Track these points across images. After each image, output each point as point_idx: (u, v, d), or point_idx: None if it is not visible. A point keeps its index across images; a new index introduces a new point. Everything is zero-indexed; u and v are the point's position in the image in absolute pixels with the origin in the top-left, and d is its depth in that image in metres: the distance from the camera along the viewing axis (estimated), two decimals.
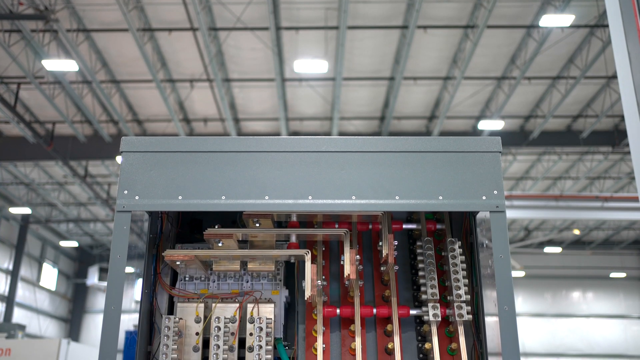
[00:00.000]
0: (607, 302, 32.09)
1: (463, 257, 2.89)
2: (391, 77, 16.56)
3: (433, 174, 2.74)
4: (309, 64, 15.18)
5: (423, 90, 17.39)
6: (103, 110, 18.41)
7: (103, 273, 28.47)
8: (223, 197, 2.70)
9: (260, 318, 2.74)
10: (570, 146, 19.79)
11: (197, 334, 2.79)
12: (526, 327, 30.41)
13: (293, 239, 2.91)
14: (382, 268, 2.97)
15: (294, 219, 2.96)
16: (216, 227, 2.87)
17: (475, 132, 19.07)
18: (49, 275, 30.53)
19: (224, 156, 2.78)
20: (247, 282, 2.97)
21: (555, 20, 13.32)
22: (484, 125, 18.40)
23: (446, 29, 14.62)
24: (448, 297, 2.89)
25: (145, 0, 13.73)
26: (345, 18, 13.21)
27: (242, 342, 2.79)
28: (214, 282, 2.98)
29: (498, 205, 2.69)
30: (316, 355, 2.79)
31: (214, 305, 2.84)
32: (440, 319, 2.81)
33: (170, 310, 2.97)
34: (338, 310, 2.88)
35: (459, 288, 2.81)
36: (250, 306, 2.83)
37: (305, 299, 2.70)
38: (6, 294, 25.83)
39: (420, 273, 2.90)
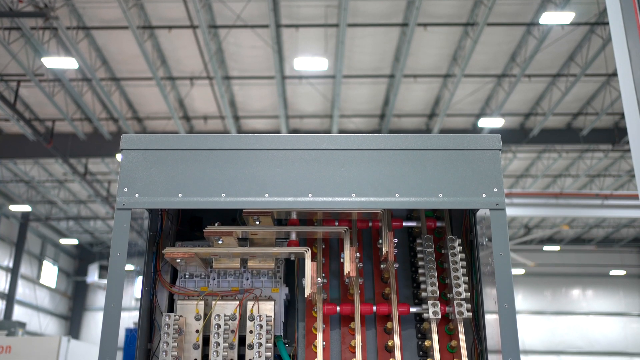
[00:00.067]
0: (607, 300, 32.12)
1: (463, 254, 2.89)
2: (391, 75, 16.55)
3: (433, 171, 2.74)
4: (309, 61, 15.18)
5: (423, 87, 17.38)
6: (103, 107, 18.41)
7: (103, 271, 28.51)
8: (223, 195, 2.70)
9: (260, 316, 2.74)
10: (571, 144, 19.79)
11: (197, 331, 2.79)
12: (526, 324, 30.45)
13: (293, 236, 2.91)
14: (382, 266, 2.97)
15: (294, 216, 2.96)
16: (216, 224, 2.87)
17: (475, 130, 19.06)
18: (49, 273, 30.56)
19: (224, 154, 2.78)
20: (247, 279, 2.97)
21: (555, 17, 13.31)
22: (484, 122, 18.39)
23: (446, 27, 14.61)
24: (448, 295, 2.89)
25: None
26: (345, 15, 13.20)
27: (242, 340, 2.79)
28: (214, 279, 2.99)
29: (498, 202, 2.69)
30: (316, 352, 2.79)
31: (214, 302, 2.84)
32: (440, 316, 2.81)
33: (171, 308, 2.97)
34: (338, 308, 2.88)
35: (459, 286, 2.81)
36: (250, 304, 2.84)
37: (305, 296, 2.70)
38: (6, 291, 25.84)
39: (420, 271, 2.90)
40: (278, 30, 14.44)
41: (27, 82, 16.30)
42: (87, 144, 19.25)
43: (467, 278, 2.85)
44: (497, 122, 18.33)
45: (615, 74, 15.12)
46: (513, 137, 19.15)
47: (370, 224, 3.07)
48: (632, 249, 32.83)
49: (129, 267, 2.67)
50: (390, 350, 2.85)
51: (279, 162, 2.76)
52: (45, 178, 23.71)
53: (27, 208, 25.17)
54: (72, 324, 31.91)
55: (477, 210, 2.83)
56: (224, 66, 16.16)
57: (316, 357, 2.77)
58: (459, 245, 2.91)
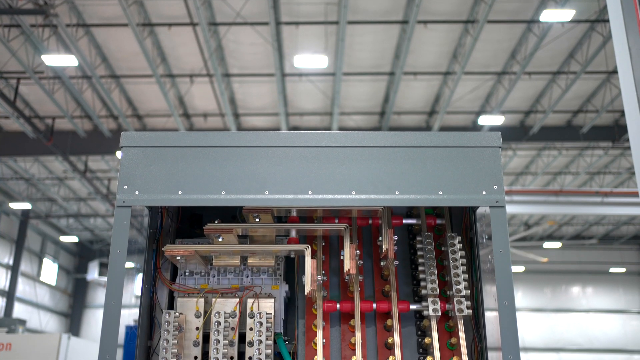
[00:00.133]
0: (607, 297, 32.14)
1: (463, 252, 2.89)
2: (391, 72, 16.54)
3: (433, 169, 2.74)
4: (309, 59, 15.16)
5: (423, 85, 17.37)
6: (103, 105, 18.40)
7: (103, 268, 28.50)
8: (223, 192, 2.71)
9: (260, 313, 2.74)
10: (571, 141, 19.78)
11: (197, 328, 2.80)
12: (526, 322, 30.47)
13: (293, 234, 2.91)
14: (382, 263, 2.97)
15: (294, 214, 2.96)
16: (216, 222, 2.87)
17: (475, 127, 19.06)
18: (49, 270, 30.57)
19: (224, 151, 2.78)
20: (247, 277, 2.98)
21: (555, 15, 13.30)
22: (484, 120, 18.39)
23: (446, 24, 14.60)
24: (448, 292, 2.89)
25: None
26: (345, 13, 13.18)
27: (242, 337, 2.80)
28: (214, 277, 2.99)
29: (498, 200, 2.69)
30: (316, 350, 2.79)
31: (214, 300, 2.84)
32: (440, 313, 2.81)
33: (171, 305, 2.98)
34: (338, 305, 2.89)
35: (459, 283, 2.81)
36: (250, 301, 2.84)
37: (305, 293, 2.70)
38: (6, 289, 25.86)
39: (420, 268, 2.91)
40: (278, 28, 14.42)
41: (27, 79, 16.29)
42: (87, 141, 19.24)
43: (467, 275, 2.85)
44: (497, 120, 18.33)
45: (615, 72, 15.12)
46: (513, 134, 19.14)
47: (370, 222, 3.07)
48: (632, 246, 32.84)
49: (129, 264, 2.67)
50: (390, 348, 2.85)
51: (279, 159, 2.76)
52: (45, 175, 23.70)
53: (27, 205, 25.17)
54: (73, 322, 31.93)
55: (477, 207, 2.83)
56: (223, 63, 16.15)
57: (316, 355, 2.77)
58: (459, 242, 2.92)
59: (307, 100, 18.14)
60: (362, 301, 2.89)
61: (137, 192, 2.72)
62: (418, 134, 2.82)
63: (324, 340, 2.80)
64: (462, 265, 2.85)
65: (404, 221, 3.08)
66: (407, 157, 2.76)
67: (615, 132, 18.82)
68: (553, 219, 29.18)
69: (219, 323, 2.70)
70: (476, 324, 2.87)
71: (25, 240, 26.74)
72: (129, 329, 2.80)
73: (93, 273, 28.98)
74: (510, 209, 20.16)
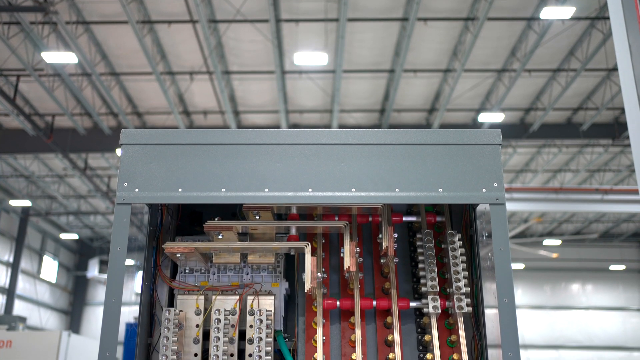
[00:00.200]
0: (607, 295, 32.16)
1: (463, 249, 2.89)
2: (391, 70, 16.53)
3: (433, 166, 2.74)
4: (309, 56, 15.14)
5: (423, 82, 17.36)
6: (103, 102, 18.39)
7: (103, 265, 28.52)
8: (223, 190, 2.71)
9: (260, 310, 2.74)
10: (571, 139, 19.78)
11: (197, 326, 2.80)
12: (526, 319, 30.49)
13: (293, 231, 2.91)
14: (382, 260, 2.97)
15: (294, 211, 2.96)
16: (216, 219, 2.87)
17: (475, 125, 19.05)
18: (50, 268, 30.59)
19: (224, 148, 2.78)
20: (247, 274, 2.98)
21: (555, 12, 13.28)
22: (484, 117, 18.38)
23: (446, 21, 14.58)
24: (448, 290, 2.89)
25: None
26: (345, 10, 13.17)
27: (242, 334, 2.80)
28: (214, 274, 2.99)
29: (498, 197, 2.69)
30: (316, 347, 2.79)
31: (214, 297, 2.84)
32: (439, 311, 2.82)
33: (171, 303, 2.98)
34: (338, 303, 2.89)
35: (459, 280, 2.81)
36: (250, 298, 2.84)
37: (305, 291, 2.70)
38: (7, 286, 25.88)
39: (420, 265, 2.91)
40: (278, 25, 14.41)
41: (26, 76, 16.28)
42: (87, 138, 19.24)
43: (467, 273, 2.85)
44: (497, 117, 18.32)
45: (615, 69, 15.10)
46: (513, 132, 19.14)
47: (370, 219, 3.07)
48: (632, 243, 32.86)
49: (129, 261, 2.67)
50: (390, 345, 2.86)
51: (279, 156, 2.76)
52: (45, 173, 23.71)
53: (27, 203, 25.17)
54: (73, 319, 31.97)
55: (477, 205, 2.83)
56: (223, 61, 16.14)
57: (316, 352, 2.78)
58: (459, 240, 2.92)
59: (307, 97, 18.13)
60: (362, 298, 2.89)
61: (137, 190, 2.72)
62: (418, 131, 2.81)
63: (324, 338, 2.80)
64: (462, 262, 2.86)
65: (404, 218, 3.09)
66: (407, 154, 2.76)
67: (615, 130, 18.81)
68: (553, 216, 29.19)
69: (219, 320, 2.70)
70: (476, 322, 2.87)
71: (25, 237, 26.75)
72: (129, 326, 2.80)
73: (93, 270, 29.00)
74: (510, 207, 20.16)
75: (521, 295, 31.53)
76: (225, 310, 2.73)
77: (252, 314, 2.76)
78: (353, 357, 2.79)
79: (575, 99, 18.29)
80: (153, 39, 15.14)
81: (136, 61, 16.06)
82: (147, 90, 17.77)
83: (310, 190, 2.71)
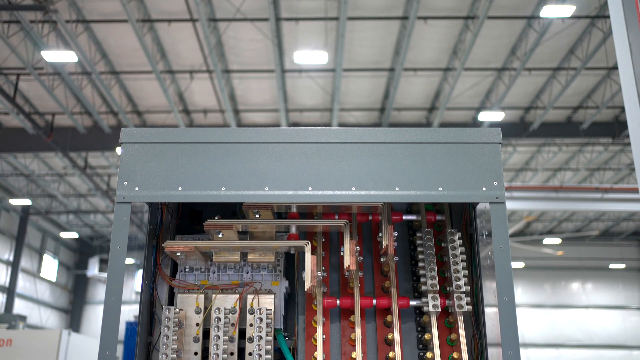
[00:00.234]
0: (606, 293, 32.17)
1: (463, 248, 2.89)
2: (391, 68, 16.52)
3: (433, 165, 2.74)
4: (309, 55, 15.14)
5: (423, 81, 17.35)
6: (103, 101, 18.38)
7: (103, 264, 28.51)
8: (223, 188, 2.71)
9: (260, 309, 2.74)
10: (571, 137, 19.77)
11: (197, 324, 2.80)
12: (525, 318, 30.50)
13: (293, 230, 2.91)
14: (382, 259, 2.97)
15: (294, 210, 2.96)
16: (216, 218, 2.87)
17: (475, 124, 19.04)
18: (50, 267, 30.60)
19: (224, 147, 2.77)
20: (247, 273, 2.98)
21: (556, 11, 13.27)
22: (484, 116, 18.38)
23: (446, 20, 14.58)
24: (448, 288, 2.89)
25: None
26: (345, 9, 13.16)
27: (242, 333, 2.80)
28: (214, 273, 2.99)
29: (498, 196, 2.69)
30: (316, 345, 2.80)
31: (214, 296, 2.85)
32: (439, 309, 2.82)
33: (171, 301, 2.98)
34: (338, 301, 2.89)
35: (459, 279, 2.81)
36: (250, 297, 2.84)
37: (305, 289, 2.70)
38: (7, 285, 25.88)
39: (420, 264, 2.91)
40: (278, 24, 14.40)
41: (26, 75, 16.27)
42: (87, 137, 19.24)
43: (467, 271, 2.86)
44: (497, 116, 18.32)
45: (615, 68, 15.10)
46: (513, 130, 19.13)
47: (370, 218, 3.07)
48: (632, 242, 32.86)
49: (129, 260, 2.67)
50: (390, 344, 2.86)
51: (279, 155, 2.76)
52: (45, 172, 23.71)
53: (27, 202, 25.17)
54: (73, 317, 31.98)
55: (477, 203, 2.83)
56: (223, 60, 16.13)
57: (316, 351, 2.78)
58: (459, 238, 2.92)
59: (307, 96, 18.13)
60: (362, 297, 2.89)
61: (137, 188, 2.72)
62: (418, 130, 2.82)
63: (324, 336, 2.80)
64: (462, 261, 2.86)
65: (404, 217, 3.09)
66: (407, 153, 2.76)
67: (615, 128, 18.80)
68: (553, 215, 29.19)
69: (219, 319, 2.71)
70: (476, 320, 2.87)
71: (25, 236, 26.75)
72: (129, 325, 2.80)
73: (93, 269, 28.99)
74: (510, 205, 20.16)
75: (521, 293, 31.54)
76: (225, 309, 2.74)
77: (252, 312, 2.76)
78: (353, 355, 2.79)
79: (575, 97, 18.28)
80: (153, 38, 15.13)
81: (136, 60, 16.05)
82: (147, 89, 17.76)
83: (310, 189, 2.71)
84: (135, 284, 2.89)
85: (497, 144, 2.78)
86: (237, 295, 2.85)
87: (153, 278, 2.94)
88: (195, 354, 2.76)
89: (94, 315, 32.01)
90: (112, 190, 23.67)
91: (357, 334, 2.80)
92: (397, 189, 2.70)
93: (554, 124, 19.43)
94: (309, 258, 2.71)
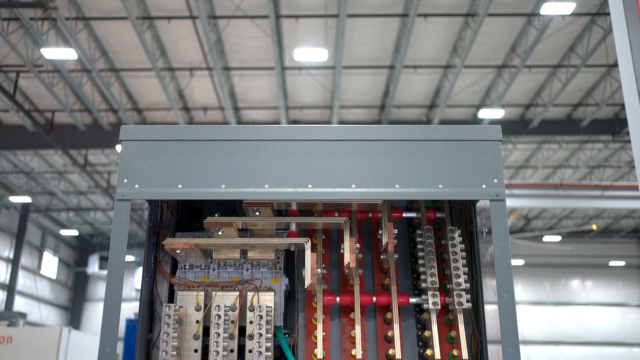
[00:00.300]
0: (606, 291, 32.20)
1: (463, 245, 2.89)
2: (391, 66, 16.51)
3: (433, 162, 2.74)
4: (309, 52, 15.13)
5: (423, 78, 17.35)
6: (102, 98, 18.38)
7: (103, 261, 28.56)
8: (223, 186, 2.70)
9: (260, 306, 2.75)
10: (571, 135, 19.77)
11: (197, 322, 2.80)
12: (525, 315, 30.54)
13: (293, 227, 2.91)
14: (382, 256, 2.97)
15: (294, 207, 2.96)
16: (216, 215, 2.87)
17: (475, 121, 19.04)
18: (50, 264, 30.62)
19: (224, 145, 2.77)
20: (247, 270, 2.98)
21: (556, 8, 13.26)
22: (484, 113, 18.37)
23: (447, 17, 14.56)
24: (448, 286, 2.90)
25: None
26: (345, 6, 13.15)
27: (242, 330, 2.80)
28: (214, 270, 2.99)
29: (498, 193, 2.69)
30: (316, 343, 2.80)
31: (214, 293, 2.85)
32: (439, 307, 2.82)
33: (171, 299, 2.98)
34: (338, 299, 2.89)
35: (459, 276, 2.81)
36: (250, 294, 2.84)
37: (305, 287, 2.70)
38: (7, 282, 25.90)
39: (420, 261, 2.91)
40: (278, 21, 14.39)
41: (26, 72, 16.26)
42: (86, 135, 19.24)
43: (466, 269, 2.85)
44: (497, 113, 18.31)
45: (615, 65, 15.09)
46: (513, 128, 19.13)
47: (370, 215, 3.07)
48: (632, 239, 32.88)
49: (129, 258, 2.67)
50: (390, 341, 2.86)
51: (279, 153, 2.75)
52: (45, 169, 23.70)
53: (27, 199, 25.18)
54: (73, 315, 32.01)
55: (477, 201, 2.83)
56: (223, 57, 16.12)
57: (316, 348, 2.78)
58: (459, 236, 2.92)
59: (307, 93, 18.12)
60: (362, 294, 2.89)
61: (137, 186, 2.72)
62: (418, 127, 2.81)
63: (324, 334, 2.81)
64: (462, 258, 2.86)
65: (404, 214, 3.09)
66: (407, 150, 2.76)
67: (616, 126, 18.80)
68: (553, 212, 29.20)
69: (219, 316, 2.71)
70: (476, 317, 2.87)
71: (25, 233, 26.77)
72: (129, 322, 2.80)
73: (93, 266, 29.04)
74: (510, 203, 20.18)
75: (521, 291, 31.58)
76: (225, 306, 2.74)
77: (252, 310, 2.76)
78: (353, 352, 2.79)
79: (576, 95, 18.27)
80: (153, 35, 15.12)
81: (136, 57, 16.04)
82: (147, 87, 17.76)
83: (310, 186, 2.71)
84: (135, 281, 2.89)
85: (497, 141, 2.78)
86: (237, 293, 2.85)
87: (153, 275, 2.94)
88: (195, 351, 2.76)
89: (94, 313, 32.04)
90: (112, 187, 23.68)
91: (357, 331, 2.81)
92: (397, 186, 2.70)
93: (554, 121, 19.43)
94: (308, 255, 2.71)
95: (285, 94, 17.64)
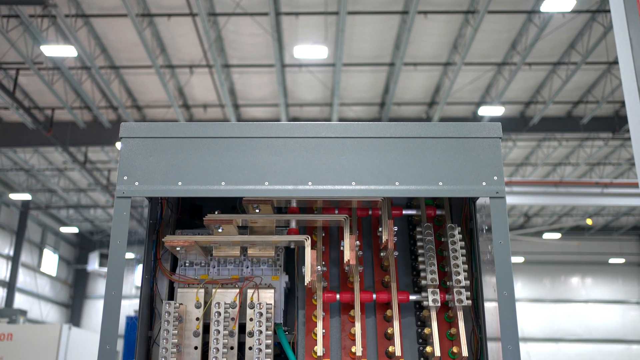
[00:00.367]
0: (606, 288, 32.22)
1: (463, 242, 2.90)
2: (391, 63, 16.50)
3: (433, 159, 2.74)
4: (309, 49, 15.12)
5: (423, 76, 17.33)
6: (102, 96, 18.37)
7: (103, 259, 28.57)
8: (223, 183, 2.70)
9: (260, 303, 2.75)
10: (571, 132, 19.77)
11: (197, 319, 2.80)
12: (525, 312, 30.56)
13: (293, 224, 2.91)
14: (381, 254, 2.98)
15: (294, 204, 2.96)
16: (216, 213, 2.87)
17: (475, 118, 19.03)
18: (50, 261, 30.64)
19: (224, 142, 2.77)
20: (247, 267, 2.98)
21: (556, 5, 13.24)
22: (484, 111, 18.36)
23: (447, 14, 14.55)
24: (447, 283, 2.90)
25: None
26: (345, 3, 13.14)
27: (242, 328, 2.81)
28: (214, 267, 2.99)
29: (498, 191, 2.69)
30: (316, 340, 2.80)
31: (214, 290, 2.85)
32: (439, 304, 2.82)
33: (171, 296, 2.98)
34: (338, 296, 2.89)
35: (459, 273, 2.81)
36: (250, 292, 2.85)
37: (305, 284, 2.70)
38: (7, 279, 25.92)
39: (420, 259, 2.91)
40: (278, 18, 14.38)
41: (26, 70, 16.25)
42: (86, 132, 19.23)
43: (466, 266, 2.86)
44: (497, 111, 18.30)
45: (616, 62, 15.08)
46: (513, 125, 19.12)
47: (370, 212, 3.07)
48: (631, 237, 32.88)
49: (129, 255, 2.67)
50: (389, 338, 2.86)
51: (279, 150, 2.75)
52: (45, 166, 23.70)
53: (27, 196, 25.18)
54: (73, 312, 32.04)
55: (477, 198, 2.83)
56: (223, 54, 16.11)
57: (316, 345, 2.78)
58: (459, 233, 2.92)
59: (307, 91, 18.11)
60: (361, 292, 2.89)
61: (137, 183, 2.72)
62: (418, 124, 2.81)
63: (323, 331, 2.81)
64: (462, 256, 2.86)
65: (404, 212, 3.08)
66: (407, 147, 2.76)
67: (616, 123, 18.80)
68: (553, 210, 29.20)
69: (219, 313, 2.71)
70: (476, 315, 2.88)
71: (25, 231, 26.78)
72: (129, 319, 2.81)
73: (93, 264, 29.04)
74: (510, 200, 20.16)
75: (521, 288, 31.59)
76: (225, 304, 2.74)
77: (252, 307, 2.77)
78: (353, 350, 2.80)
79: (576, 92, 18.26)
80: (153, 32, 15.10)
81: (136, 54, 16.03)
82: (147, 84, 17.75)
83: (310, 183, 2.71)
84: (135, 278, 2.89)
85: (497, 138, 2.78)
86: (237, 290, 2.85)
87: (153, 273, 2.94)
88: (196, 348, 2.76)
89: (94, 310, 32.06)
90: (112, 185, 23.68)
91: (357, 328, 2.81)
92: (397, 183, 2.70)
93: (554, 118, 19.42)
94: (308, 253, 2.71)
95: (285, 92, 17.63)
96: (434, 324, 2.80)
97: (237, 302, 2.79)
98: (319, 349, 2.75)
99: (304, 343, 2.84)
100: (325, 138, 2.77)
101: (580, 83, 17.66)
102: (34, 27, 14.00)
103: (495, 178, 2.71)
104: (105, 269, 25.00)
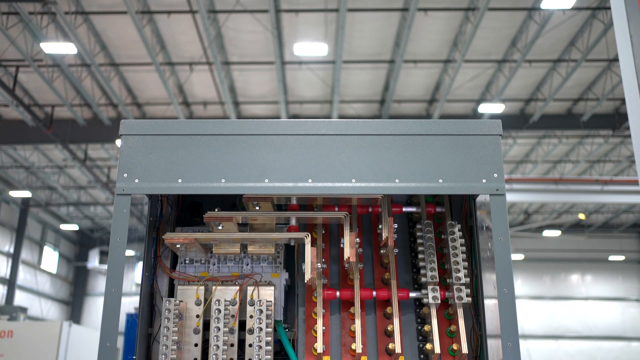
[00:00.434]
0: (606, 285, 32.23)
1: (463, 240, 2.90)
2: (391, 60, 16.48)
3: (433, 157, 2.74)
4: (309, 46, 15.10)
5: (423, 73, 17.32)
6: (102, 93, 18.35)
7: (104, 256, 28.55)
8: (223, 180, 2.70)
9: (260, 301, 2.75)
10: (571, 129, 19.76)
11: (197, 316, 2.81)
12: (525, 309, 30.58)
13: (293, 222, 2.91)
14: (381, 251, 2.98)
15: (294, 202, 2.96)
16: (216, 210, 2.87)
17: (475, 116, 19.02)
18: (50, 259, 30.65)
19: (224, 139, 2.77)
20: (247, 264, 2.98)
21: (556, 2, 13.21)
22: (484, 108, 18.35)
23: (447, 12, 14.53)
24: (447, 280, 2.90)
25: None
26: (345, 0, 13.12)
27: (242, 325, 2.81)
28: (214, 264, 3.00)
29: (498, 188, 2.69)
30: (316, 337, 2.80)
31: (214, 287, 2.85)
32: (439, 301, 2.82)
33: (171, 293, 2.98)
34: (338, 293, 2.89)
35: (459, 271, 2.82)
36: (250, 289, 2.85)
37: (305, 281, 2.71)
38: (7, 277, 25.93)
39: (420, 256, 2.91)
40: (278, 15, 14.36)
41: (26, 67, 16.24)
42: (86, 129, 19.23)
43: (466, 263, 2.86)
44: (498, 108, 18.29)
45: (616, 59, 15.07)
46: (513, 122, 19.11)
47: (370, 210, 3.07)
48: (631, 234, 32.88)
49: (129, 252, 2.68)
50: (389, 335, 2.86)
51: (279, 147, 2.75)
52: (45, 164, 23.70)
53: (27, 194, 25.18)
54: (73, 309, 32.06)
55: (477, 195, 2.83)
56: (223, 51, 16.09)
57: (316, 342, 2.78)
58: (459, 230, 2.92)
59: (307, 88, 18.09)
60: (362, 289, 2.89)
61: (137, 180, 2.72)
62: (418, 122, 2.81)
63: (323, 328, 2.81)
64: (462, 253, 2.86)
65: (404, 209, 3.09)
66: (407, 145, 2.76)
67: (616, 120, 18.78)
68: (553, 207, 29.20)
69: (219, 311, 2.71)
70: (476, 312, 2.88)
71: (25, 228, 26.78)
72: (129, 316, 2.80)
73: (93, 261, 29.04)
74: (510, 197, 20.17)
75: (521, 285, 31.60)
76: (225, 301, 2.74)
77: (252, 304, 2.77)
78: (353, 347, 2.80)
79: (576, 89, 18.25)
80: (152, 30, 15.09)
81: (136, 52, 16.01)
82: (147, 81, 17.73)
83: (310, 180, 2.71)
84: (135, 275, 2.89)
85: (497, 135, 2.78)
86: (237, 287, 2.85)
87: (153, 270, 2.95)
88: (196, 345, 2.77)
89: (95, 307, 32.09)
90: (112, 182, 23.67)
91: (357, 325, 2.81)
92: (397, 180, 2.70)
93: (554, 116, 19.41)
94: (308, 250, 2.71)
95: (285, 89, 17.62)
96: (434, 321, 2.80)
97: (237, 299, 2.79)
98: (319, 346, 2.75)
99: (304, 340, 2.84)
100: (325, 135, 2.77)
101: (581, 80, 17.64)
102: (34, 24, 13.98)
103: (496, 175, 2.71)
104: (105, 267, 24.96)
